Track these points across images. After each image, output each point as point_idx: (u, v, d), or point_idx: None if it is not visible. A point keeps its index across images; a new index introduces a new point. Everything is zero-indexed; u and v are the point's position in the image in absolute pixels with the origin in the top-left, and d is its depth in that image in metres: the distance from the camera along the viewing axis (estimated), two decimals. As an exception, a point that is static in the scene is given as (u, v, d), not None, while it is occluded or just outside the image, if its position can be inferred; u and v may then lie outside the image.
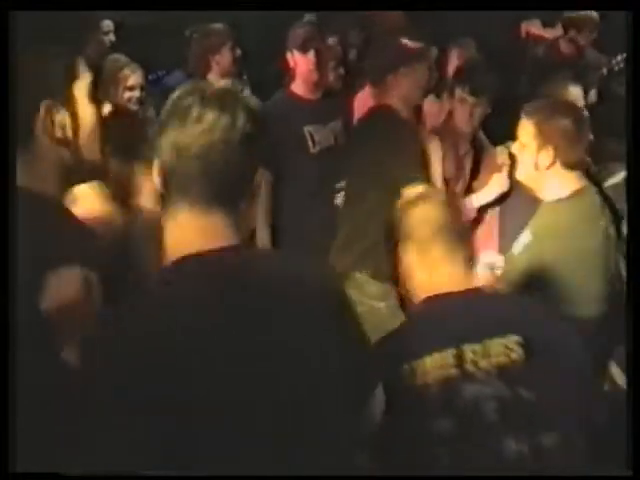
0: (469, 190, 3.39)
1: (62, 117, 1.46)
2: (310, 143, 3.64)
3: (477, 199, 3.12)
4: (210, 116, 1.33)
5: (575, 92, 3.23)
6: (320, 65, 3.57)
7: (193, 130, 1.33)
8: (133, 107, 3.98)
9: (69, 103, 1.48)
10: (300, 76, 3.64)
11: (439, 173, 3.28)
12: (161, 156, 1.37)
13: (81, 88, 1.50)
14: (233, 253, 1.35)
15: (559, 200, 2.57)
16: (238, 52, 4.16)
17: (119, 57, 4.56)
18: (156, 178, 1.39)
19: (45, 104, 1.44)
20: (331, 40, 3.97)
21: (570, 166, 2.58)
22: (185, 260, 1.33)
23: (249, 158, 1.37)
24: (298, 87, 3.68)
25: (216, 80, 3.90)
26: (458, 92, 3.31)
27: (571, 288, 2.43)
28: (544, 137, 2.55)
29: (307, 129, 3.63)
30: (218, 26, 4.15)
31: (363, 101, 3.78)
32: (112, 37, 5.25)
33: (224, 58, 4.09)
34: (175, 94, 1.41)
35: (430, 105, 3.89)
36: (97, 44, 5.19)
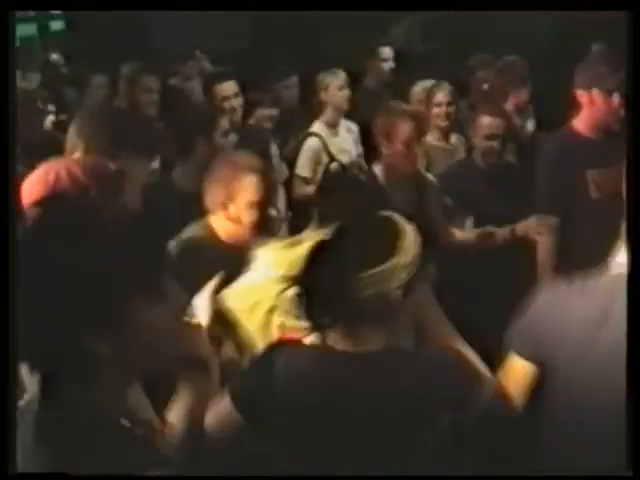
0: None
1: None
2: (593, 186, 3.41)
3: None
4: None
5: None
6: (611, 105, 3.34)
7: None
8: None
9: None
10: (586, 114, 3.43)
11: None
12: None
13: None
14: None
15: None
16: (530, 88, 4.12)
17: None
18: None
19: None
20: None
21: None
22: None
23: None
24: (580, 124, 3.46)
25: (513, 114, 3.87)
26: None
27: None
28: None
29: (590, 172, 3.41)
30: (515, 60, 4.10)
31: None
32: (392, 64, 5.34)
33: (522, 94, 4.06)
34: None
35: None
36: (377, 70, 5.33)
